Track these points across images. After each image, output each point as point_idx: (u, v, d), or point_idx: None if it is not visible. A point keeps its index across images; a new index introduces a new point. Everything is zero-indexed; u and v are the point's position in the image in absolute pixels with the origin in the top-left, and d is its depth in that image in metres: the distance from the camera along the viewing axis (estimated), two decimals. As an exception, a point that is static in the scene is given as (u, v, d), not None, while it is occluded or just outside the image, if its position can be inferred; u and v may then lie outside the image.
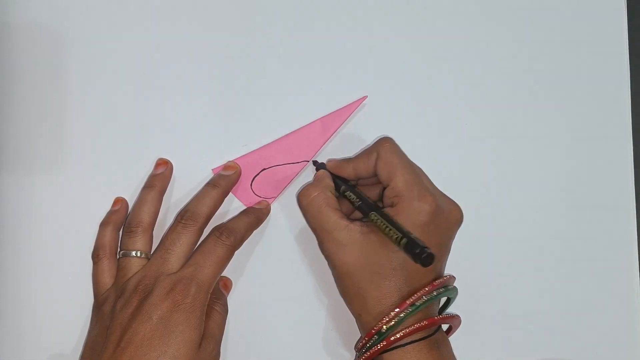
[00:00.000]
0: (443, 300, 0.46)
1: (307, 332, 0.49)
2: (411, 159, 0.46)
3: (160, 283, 0.43)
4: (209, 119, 0.50)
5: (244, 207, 0.49)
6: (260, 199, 0.49)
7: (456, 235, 0.48)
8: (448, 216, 0.44)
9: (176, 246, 0.45)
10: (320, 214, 0.45)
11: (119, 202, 0.49)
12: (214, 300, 0.45)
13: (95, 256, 0.47)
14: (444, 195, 0.45)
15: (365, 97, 0.50)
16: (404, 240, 0.41)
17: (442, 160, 0.50)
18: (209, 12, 0.51)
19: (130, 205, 0.49)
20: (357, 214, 0.47)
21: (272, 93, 0.50)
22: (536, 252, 0.50)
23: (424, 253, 0.40)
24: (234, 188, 0.49)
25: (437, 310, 0.45)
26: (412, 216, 0.43)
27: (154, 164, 0.49)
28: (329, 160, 0.48)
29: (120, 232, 0.48)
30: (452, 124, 0.51)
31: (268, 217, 0.49)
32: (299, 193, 0.46)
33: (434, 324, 0.43)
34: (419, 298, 0.42)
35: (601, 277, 0.50)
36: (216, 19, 0.51)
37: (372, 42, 0.51)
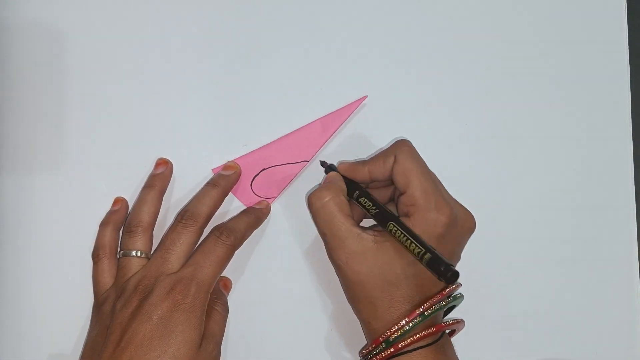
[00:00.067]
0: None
1: (307, 332, 0.49)
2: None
3: (160, 283, 0.43)
4: (209, 119, 0.50)
5: (244, 207, 0.49)
6: (260, 199, 0.49)
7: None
8: (462, 225, 0.44)
9: (176, 246, 0.45)
10: (333, 220, 0.44)
11: (119, 202, 0.49)
12: (214, 300, 0.45)
13: (96, 256, 0.47)
14: (458, 203, 0.45)
15: (365, 97, 0.50)
16: (427, 255, 0.40)
17: (442, 160, 0.49)
18: (209, 12, 0.51)
19: (130, 205, 0.49)
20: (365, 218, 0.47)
21: (272, 93, 0.50)
22: (536, 252, 0.50)
23: (449, 271, 0.39)
24: (234, 188, 0.49)
25: (442, 315, 0.45)
26: (429, 227, 0.42)
27: (154, 164, 0.49)
28: (341, 163, 0.47)
29: (121, 232, 0.48)
30: (452, 124, 0.50)
31: (268, 217, 0.49)
32: (311, 195, 0.45)
33: (441, 330, 0.43)
34: (429, 307, 0.42)
35: (601, 277, 0.50)
36: (216, 19, 0.51)
37: (372, 42, 0.51)
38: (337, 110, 0.50)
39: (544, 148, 0.50)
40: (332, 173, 0.47)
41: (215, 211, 0.47)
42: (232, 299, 0.48)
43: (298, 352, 0.49)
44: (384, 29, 0.51)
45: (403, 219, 0.43)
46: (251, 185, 0.49)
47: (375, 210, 0.44)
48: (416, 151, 0.45)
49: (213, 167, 0.50)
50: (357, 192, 0.45)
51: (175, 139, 0.50)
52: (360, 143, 0.50)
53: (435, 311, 0.42)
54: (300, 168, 0.49)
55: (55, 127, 0.50)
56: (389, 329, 0.42)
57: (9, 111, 0.50)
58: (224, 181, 0.48)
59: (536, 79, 0.51)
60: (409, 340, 0.42)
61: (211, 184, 0.48)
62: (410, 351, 0.42)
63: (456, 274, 0.39)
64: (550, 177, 0.50)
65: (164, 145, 0.50)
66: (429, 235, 0.42)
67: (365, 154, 0.49)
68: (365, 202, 0.45)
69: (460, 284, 0.45)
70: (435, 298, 0.43)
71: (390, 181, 0.45)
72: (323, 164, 0.48)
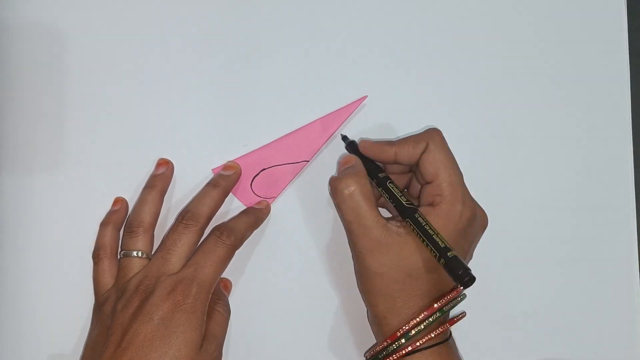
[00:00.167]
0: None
1: (308, 332, 0.49)
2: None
3: (161, 283, 0.43)
4: (209, 119, 0.50)
5: (244, 207, 0.49)
6: (260, 199, 0.49)
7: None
8: (480, 223, 0.45)
9: (177, 246, 0.45)
10: (360, 210, 0.43)
11: (119, 202, 0.49)
12: (215, 301, 0.45)
13: (96, 256, 0.47)
14: (475, 200, 0.45)
15: (365, 97, 0.50)
16: (447, 255, 0.40)
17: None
18: (209, 12, 0.51)
19: (131, 206, 0.49)
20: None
21: (272, 93, 0.50)
22: (536, 252, 0.50)
23: (467, 276, 0.39)
24: (234, 188, 0.49)
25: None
26: (454, 220, 0.42)
27: (154, 164, 0.49)
28: (363, 140, 0.46)
29: (121, 232, 0.48)
30: (452, 124, 0.50)
31: (268, 217, 0.49)
32: (336, 183, 0.44)
33: (453, 325, 0.43)
34: (447, 302, 0.42)
35: (601, 277, 0.50)
36: (216, 19, 0.51)
37: (372, 42, 0.51)
38: (337, 110, 0.50)
39: (544, 148, 0.51)
40: (353, 157, 0.46)
41: (216, 211, 0.47)
42: (233, 299, 0.48)
43: (298, 352, 0.49)
44: (384, 29, 0.51)
45: (427, 209, 0.43)
46: (251, 185, 0.49)
47: (399, 203, 0.43)
48: (446, 141, 0.44)
49: (213, 167, 0.49)
50: (379, 179, 0.44)
51: (175, 139, 0.50)
52: (360, 143, 0.50)
53: (452, 307, 0.42)
54: (300, 168, 0.49)
55: (55, 127, 0.50)
56: (407, 323, 0.42)
57: (9, 111, 0.50)
58: (224, 181, 0.48)
59: (536, 79, 0.51)
60: (431, 335, 0.41)
61: (212, 184, 0.48)
62: (424, 349, 0.42)
63: (473, 279, 0.39)
64: (550, 177, 0.50)
65: (164, 145, 0.50)
66: (452, 228, 0.42)
67: (365, 154, 0.49)
68: (390, 191, 0.44)
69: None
70: (453, 293, 0.42)
71: (409, 168, 0.45)
72: (345, 138, 0.48)
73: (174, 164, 0.49)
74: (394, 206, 0.44)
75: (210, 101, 0.50)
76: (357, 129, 0.50)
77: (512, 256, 0.50)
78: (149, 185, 0.48)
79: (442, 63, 0.51)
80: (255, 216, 0.48)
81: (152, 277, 0.44)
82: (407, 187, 0.48)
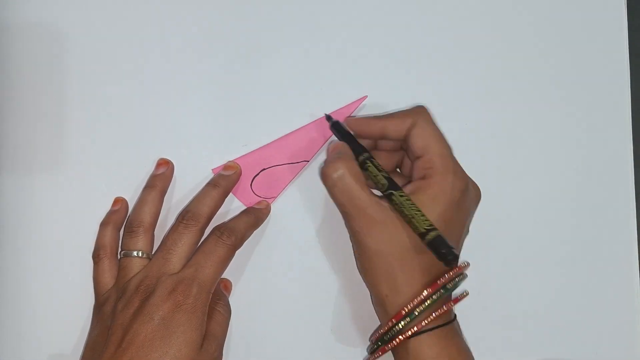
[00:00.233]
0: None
1: (308, 332, 0.49)
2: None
3: (162, 283, 0.43)
4: (209, 119, 0.50)
5: (244, 207, 0.49)
6: (260, 199, 0.49)
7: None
8: (473, 195, 0.44)
9: (177, 246, 0.45)
10: (352, 191, 0.43)
11: (119, 202, 0.49)
12: (216, 301, 0.45)
13: (96, 256, 0.47)
14: (466, 173, 0.45)
15: (365, 97, 0.50)
16: (429, 236, 0.40)
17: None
18: (209, 12, 0.51)
19: (131, 206, 0.49)
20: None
21: (272, 93, 0.50)
22: (536, 252, 0.50)
23: (451, 254, 0.39)
24: (234, 188, 0.49)
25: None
26: (447, 191, 0.42)
27: (154, 164, 0.49)
28: (349, 118, 0.46)
29: (121, 233, 0.48)
30: (452, 124, 0.50)
31: (268, 217, 0.49)
32: (325, 169, 0.44)
33: (457, 303, 0.42)
34: (450, 280, 0.42)
35: (601, 277, 0.50)
36: (216, 19, 0.51)
37: (372, 42, 0.51)
38: (337, 110, 0.50)
39: (544, 148, 0.51)
40: (339, 143, 0.46)
41: (216, 211, 0.47)
42: (233, 300, 0.48)
43: (299, 352, 0.49)
44: (384, 29, 0.51)
45: (419, 183, 0.43)
46: (251, 185, 0.49)
47: (382, 182, 0.43)
48: (434, 119, 0.45)
49: (213, 167, 0.50)
50: (362, 157, 0.44)
51: (175, 139, 0.50)
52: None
53: (456, 285, 0.42)
54: (300, 168, 0.49)
55: (55, 127, 0.50)
56: (411, 301, 0.41)
57: (9, 111, 0.50)
58: (224, 181, 0.48)
59: (536, 79, 0.51)
60: (436, 314, 0.41)
61: (212, 184, 0.48)
62: (429, 330, 0.41)
63: (456, 258, 0.39)
64: (550, 177, 0.50)
65: (164, 145, 0.50)
66: (445, 199, 0.42)
67: (365, 154, 0.49)
68: (372, 170, 0.44)
69: (469, 264, 0.45)
70: (454, 272, 0.42)
71: (399, 145, 0.45)
72: (328, 118, 0.48)
73: (174, 164, 0.49)
74: (376, 185, 0.44)
75: (210, 101, 0.50)
76: (357, 129, 0.50)
77: (512, 256, 0.50)
78: (149, 185, 0.48)
79: (442, 63, 0.51)
80: (255, 216, 0.48)
81: (152, 277, 0.44)
82: (400, 165, 0.47)
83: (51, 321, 0.49)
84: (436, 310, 0.41)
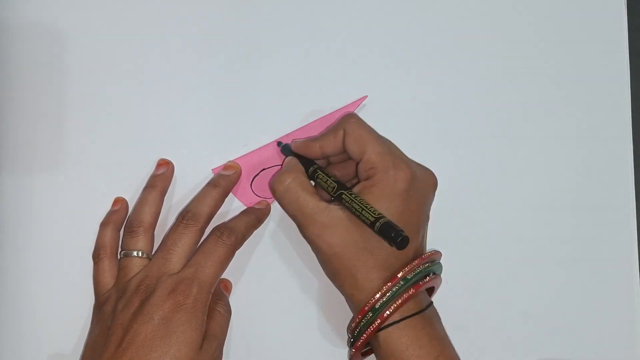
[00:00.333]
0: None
1: (308, 332, 0.49)
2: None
3: (162, 283, 0.43)
4: (209, 119, 0.50)
5: (244, 207, 0.49)
6: (260, 199, 0.49)
7: (456, 235, 0.49)
8: (424, 182, 0.45)
9: (178, 246, 0.45)
10: (299, 200, 0.44)
11: (119, 202, 0.49)
12: (216, 301, 0.45)
13: (96, 256, 0.47)
14: (417, 163, 0.46)
15: (365, 97, 0.50)
16: (378, 224, 0.41)
17: (442, 159, 0.50)
18: (209, 12, 0.51)
19: (131, 206, 0.49)
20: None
21: (272, 93, 0.50)
22: (536, 252, 0.50)
23: (399, 236, 0.40)
24: (234, 188, 0.49)
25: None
26: (390, 185, 0.43)
27: (154, 164, 0.49)
28: (294, 141, 0.48)
29: (121, 232, 0.48)
30: (452, 124, 0.51)
31: (268, 217, 0.49)
32: (272, 181, 0.45)
33: (421, 289, 0.43)
34: (411, 271, 0.42)
35: (601, 277, 0.50)
36: (216, 19, 0.51)
37: (372, 42, 0.51)
38: (337, 110, 0.50)
39: (544, 148, 0.51)
40: (289, 157, 0.47)
41: (216, 211, 0.47)
42: (233, 300, 0.48)
43: (299, 352, 0.49)
44: (384, 29, 0.51)
45: (364, 184, 0.44)
46: (251, 185, 0.49)
47: (331, 185, 0.44)
48: (363, 121, 0.46)
49: (213, 167, 0.49)
50: (311, 169, 0.46)
51: (175, 139, 0.50)
52: (361, 143, 0.50)
53: (417, 274, 0.43)
54: (300, 168, 0.49)
55: (55, 127, 0.50)
56: (372, 296, 0.42)
57: (9, 111, 0.50)
58: (224, 181, 0.48)
59: (536, 79, 0.51)
60: (396, 305, 0.42)
61: (212, 184, 0.48)
62: (399, 321, 0.42)
63: (406, 239, 0.40)
64: (550, 177, 0.50)
65: (164, 145, 0.50)
66: (391, 193, 0.43)
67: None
68: (322, 177, 0.45)
69: (439, 252, 0.45)
70: (415, 262, 0.43)
71: (345, 155, 0.46)
72: (279, 144, 0.49)
73: (174, 164, 0.49)
74: (326, 191, 0.45)
75: (210, 101, 0.50)
76: (357, 129, 0.50)
77: (512, 256, 0.50)
78: (150, 185, 0.48)
79: (442, 63, 0.51)
80: (255, 216, 0.48)
81: (152, 277, 0.44)
82: (356, 175, 0.48)
83: (51, 321, 0.49)
84: (401, 298, 0.42)
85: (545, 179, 0.50)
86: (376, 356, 0.44)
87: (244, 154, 0.50)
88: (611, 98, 0.51)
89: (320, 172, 0.46)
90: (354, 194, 0.43)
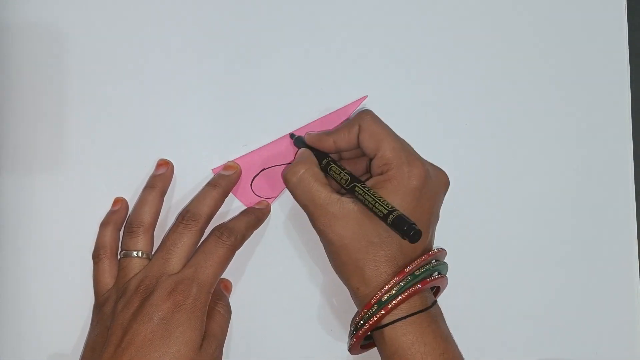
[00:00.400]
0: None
1: (308, 332, 0.49)
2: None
3: (161, 283, 0.43)
4: (209, 119, 0.50)
5: (244, 207, 0.49)
6: (260, 199, 0.49)
7: (456, 235, 0.49)
8: (436, 181, 0.45)
9: (177, 246, 0.45)
10: (311, 190, 0.44)
11: (119, 202, 0.49)
12: (216, 301, 0.45)
13: (96, 256, 0.47)
14: (429, 162, 0.46)
15: (365, 97, 0.50)
16: (391, 216, 0.41)
17: (442, 159, 0.49)
18: (209, 12, 0.51)
19: (131, 206, 0.49)
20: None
21: (272, 93, 0.50)
22: (536, 252, 0.50)
23: (412, 230, 0.40)
24: (234, 188, 0.49)
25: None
26: (403, 181, 0.43)
27: (154, 165, 0.49)
28: (308, 134, 0.48)
29: (121, 233, 0.48)
30: (452, 124, 0.51)
31: (268, 217, 0.49)
32: (286, 172, 0.46)
33: (427, 286, 0.43)
34: (417, 267, 0.43)
35: (601, 277, 0.50)
36: (216, 19, 0.51)
37: (372, 42, 0.51)
38: (337, 110, 0.50)
39: (544, 148, 0.51)
40: (302, 149, 0.47)
41: (216, 211, 0.47)
42: (233, 300, 0.48)
43: (299, 352, 0.49)
44: (384, 29, 0.51)
45: (377, 179, 0.44)
46: (251, 185, 0.49)
47: (344, 178, 0.45)
48: (379, 117, 0.46)
49: (213, 167, 0.50)
50: (324, 161, 0.46)
51: (175, 139, 0.50)
52: (360, 143, 0.50)
53: (424, 272, 0.43)
54: (300, 168, 0.49)
55: (55, 127, 0.50)
56: (379, 290, 0.42)
57: (9, 111, 0.50)
58: (224, 181, 0.48)
59: (536, 79, 0.51)
60: (399, 298, 0.42)
61: (212, 184, 0.48)
62: (403, 318, 0.42)
63: (419, 232, 0.40)
64: (550, 177, 0.50)
65: (164, 146, 0.50)
66: (405, 189, 0.43)
67: (365, 154, 0.49)
68: (335, 169, 0.45)
69: (445, 250, 0.45)
70: (423, 258, 0.43)
71: (361, 152, 0.46)
72: (292, 136, 0.49)
73: (174, 164, 0.49)
74: (344, 188, 0.45)
75: (210, 101, 0.50)
76: (357, 129, 0.50)
77: (512, 256, 0.50)
78: (149, 186, 0.48)
79: (442, 63, 0.51)
80: (255, 216, 0.48)
81: (152, 277, 0.44)
82: (368, 170, 0.48)
83: (51, 321, 0.49)
84: (402, 294, 0.42)
85: (545, 179, 0.50)
86: (380, 353, 0.44)
87: (244, 154, 0.50)
88: (611, 98, 0.51)
89: (333, 165, 0.46)
90: (367, 187, 0.43)
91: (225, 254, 0.45)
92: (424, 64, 0.51)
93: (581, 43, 0.51)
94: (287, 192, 0.49)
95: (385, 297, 0.42)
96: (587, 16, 0.51)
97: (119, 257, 0.47)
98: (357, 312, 0.44)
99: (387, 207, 0.41)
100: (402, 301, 0.42)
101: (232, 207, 0.49)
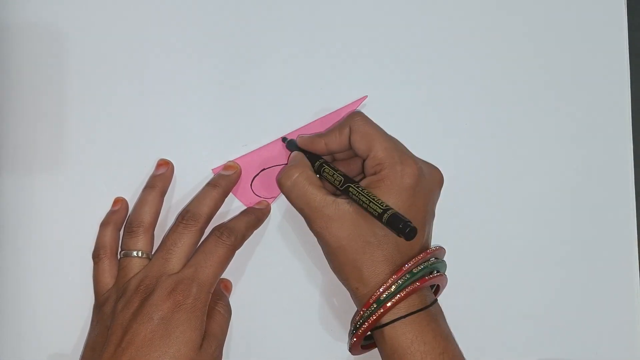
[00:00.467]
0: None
1: (308, 332, 0.49)
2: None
3: (161, 283, 0.43)
4: (209, 119, 0.50)
5: (244, 207, 0.49)
6: (260, 199, 0.49)
7: (456, 235, 0.49)
8: (430, 178, 0.45)
9: (177, 246, 0.45)
10: (306, 193, 0.44)
11: (119, 202, 0.49)
12: (216, 301, 0.45)
13: (96, 256, 0.47)
14: (423, 160, 0.46)
15: (365, 97, 0.50)
16: (386, 215, 0.41)
17: (442, 159, 0.49)
18: (208, 13, 0.51)
19: (131, 206, 0.49)
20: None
21: (272, 93, 0.50)
22: (536, 252, 0.50)
23: (407, 227, 0.40)
24: (234, 188, 0.49)
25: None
26: (397, 180, 0.43)
27: (154, 165, 0.49)
28: (300, 137, 0.48)
29: (121, 233, 0.48)
30: (452, 124, 0.51)
31: (268, 217, 0.49)
32: (280, 176, 0.46)
33: (426, 284, 0.43)
34: (415, 265, 0.43)
35: (601, 277, 0.50)
36: (216, 19, 0.51)
37: (372, 42, 0.51)
38: (337, 110, 0.50)
39: (544, 148, 0.51)
40: (295, 152, 0.48)
41: (216, 211, 0.47)
42: (233, 300, 0.48)
43: (299, 352, 0.49)
44: (384, 29, 0.51)
45: (370, 179, 0.44)
46: (251, 185, 0.49)
47: (338, 179, 0.45)
48: (369, 118, 0.46)
49: (213, 167, 0.50)
50: (317, 163, 0.46)
51: (175, 139, 0.50)
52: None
53: (422, 270, 0.43)
54: (300, 168, 0.49)
55: (55, 127, 0.50)
56: (378, 289, 0.42)
57: (9, 111, 0.50)
58: (224, 181, 0.48)
59: (536, 78, 0.51)
60: (398, 297, 0.42)
61: (212, 184, 0.48)
62: (402, 317, 0.42)
63: (414, 230, 0.40)
64: (550, 177, 0.50)
65: (164, 146, 0.50)
66: (399, 188, 0.43)
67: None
68: (328, 171, 0.45)
69: (443, 248, 0.45)
70: (421, 256, 0.43)
71: (350, 152, 0.46)
72: (284, 139, 0.49)
73: (174, 164, 0.49)
74: (338, 189, 0.45)
75: (210, 101, 0.50)
76: (357, 129, 0.50)
77: (512, 256, 0.50)
78: (149, 186, 0.48)
79: (442, 63, 0.51)
80: (255, 216, 0.48)
81: (152, 277, 0.44)
82: (363, 170, 0.48)
83: (51, 321, 0.49)
84: (405, 290, 0.42)
85: (545, 179, 0.50)
86: (380, 353, 0.44)
87: (244, 154, 0.50)
88: (611, 98, 0.51)
89: (326, 167, 0.46)
90: (361, 187, 0.43)
91: (225, 253, 0.45)
92: (424, 64, 0.51)
93: (581, 43, 0.51)
94: (287, 192, 0.50)
95: (384, 296, 0.42)
96: (587, 16, 0.51)
97: (119, 257, 0.47)
98: (357, 311, 0.44)
99: (382, 206, 0.41)
100: (400, 299, 0.42)
101: (232, 207, 0.49)
